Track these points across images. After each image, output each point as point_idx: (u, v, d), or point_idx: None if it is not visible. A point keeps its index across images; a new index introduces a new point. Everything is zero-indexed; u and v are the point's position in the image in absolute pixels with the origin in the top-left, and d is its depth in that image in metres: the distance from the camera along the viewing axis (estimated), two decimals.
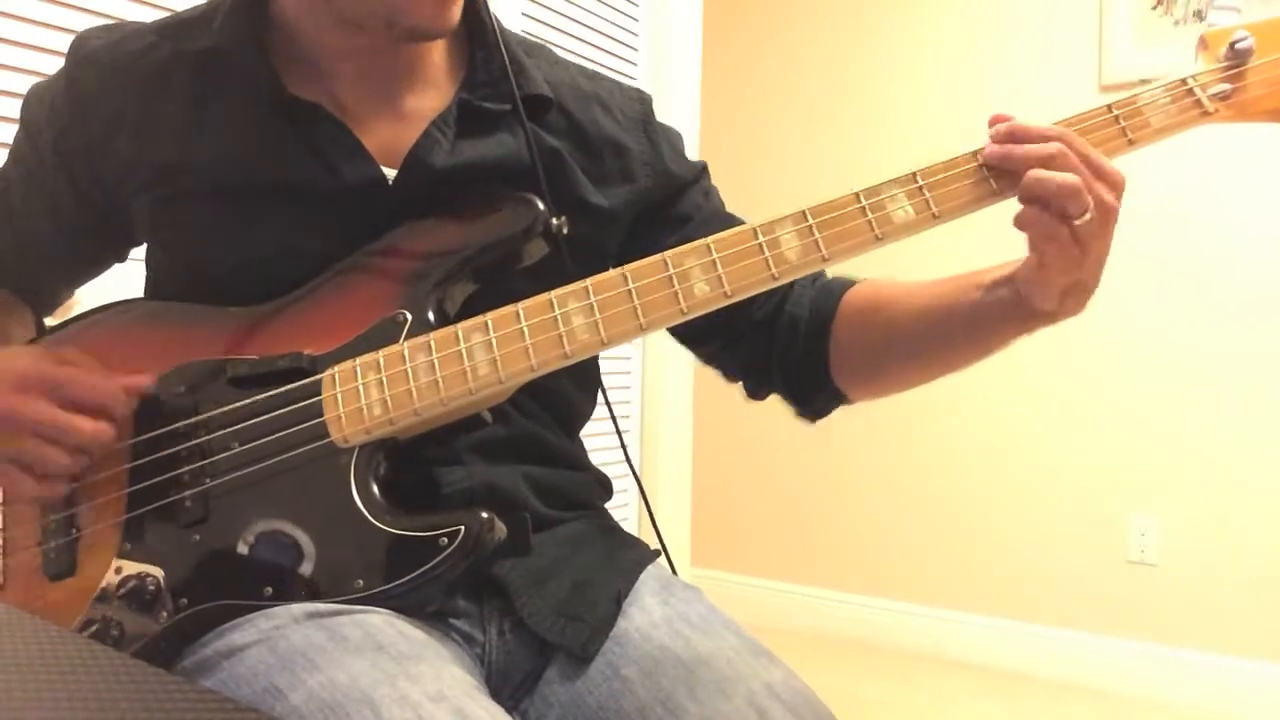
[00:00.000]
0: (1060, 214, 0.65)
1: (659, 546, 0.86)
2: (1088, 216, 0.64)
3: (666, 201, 0.86)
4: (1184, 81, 0.68)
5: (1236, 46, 0.67)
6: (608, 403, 0.91)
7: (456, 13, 0.73)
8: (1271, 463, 2.35)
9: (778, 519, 3.06)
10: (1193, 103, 0.67)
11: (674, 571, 0.84)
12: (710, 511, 2.96)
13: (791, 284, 0.84)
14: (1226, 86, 0.67)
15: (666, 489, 2.26)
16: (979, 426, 2.73)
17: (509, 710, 0.71)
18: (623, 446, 0.91)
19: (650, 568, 0.81)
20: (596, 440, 0.94)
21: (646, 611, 0.74)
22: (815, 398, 0.86)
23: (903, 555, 2.85)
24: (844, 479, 2.93)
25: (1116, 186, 0.66)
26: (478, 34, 0.80)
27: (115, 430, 0.69)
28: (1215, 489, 2.42)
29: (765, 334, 0.85)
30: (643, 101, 0.89)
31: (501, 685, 0.71)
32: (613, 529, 0.85)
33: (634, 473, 0.92)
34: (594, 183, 0.81)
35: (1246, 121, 0.69)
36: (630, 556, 0.80)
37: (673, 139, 0.90)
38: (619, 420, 0.91)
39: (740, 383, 0.90)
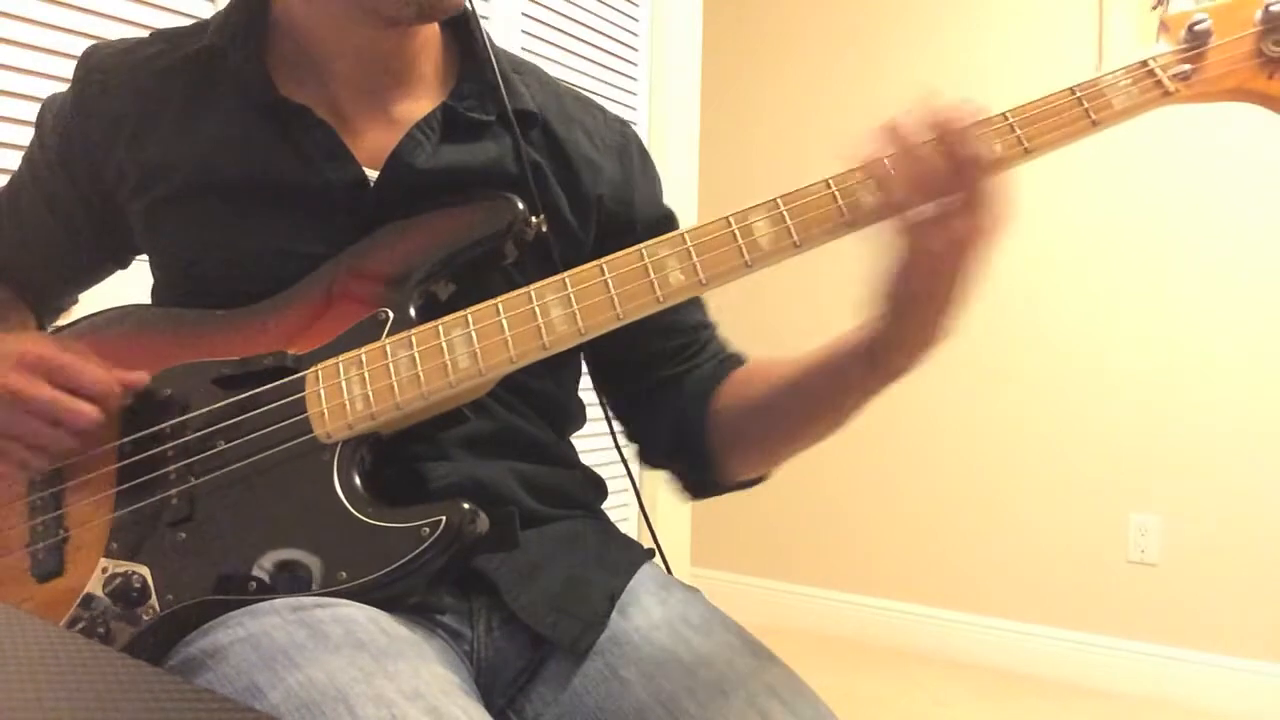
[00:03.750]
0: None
1: (653, 546, 0.86)
2: (953, 199, 0.62)
3: (621, 230, 0.85)
4: (1145, 63, 0.69)
5: (1195, 29, 0.68)
6: (604, 403, 0.91)
7: None
8: (1271, 463, 2.36)
9: (778, 519, 3.06)
10: (1154, 83, 0.68)
11: (669, 572, 0.84)
12: (710, 511, 2.96)
13: (701, 350, 0.86)
14: (1187, 67, 0.68)
15: (667, 489, 2.26)
16: (978, 427, 2.73)
17: (503, 709, 0.71)
18: (618, 448, 0.91)
19: (646, 568, 0.81)
20: (596, 441, 0.94)
21: (646, 612, 0.74)
22: (695, 465, 0.85)
23: (902, 555, 2.85)
24: (844, 479, 2.93)
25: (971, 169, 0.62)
26: (469, 48, 0.81)
27: (105, 417, 0.70)
28: (1215, 489, 2.42)
29: (667, 390, 0.85)
30: (624, 135, 0.89)
31: (492, 683, 0.71)
32: (607, 529, 0.85)
33: (629, 473, 0.92)
34: (570, 202, 0.82)
35: (1207, 101, 0.70)
36: (625, 556, 0.81)
37: (650, 177, 0.90)
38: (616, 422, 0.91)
39: (636, 445, 0.90)
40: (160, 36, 0.81)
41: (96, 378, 0.70)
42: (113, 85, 0.79)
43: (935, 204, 0.62)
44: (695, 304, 0.88)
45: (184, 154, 0.76)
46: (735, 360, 0.86)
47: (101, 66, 0.80)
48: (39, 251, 0.85)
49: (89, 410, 0.69)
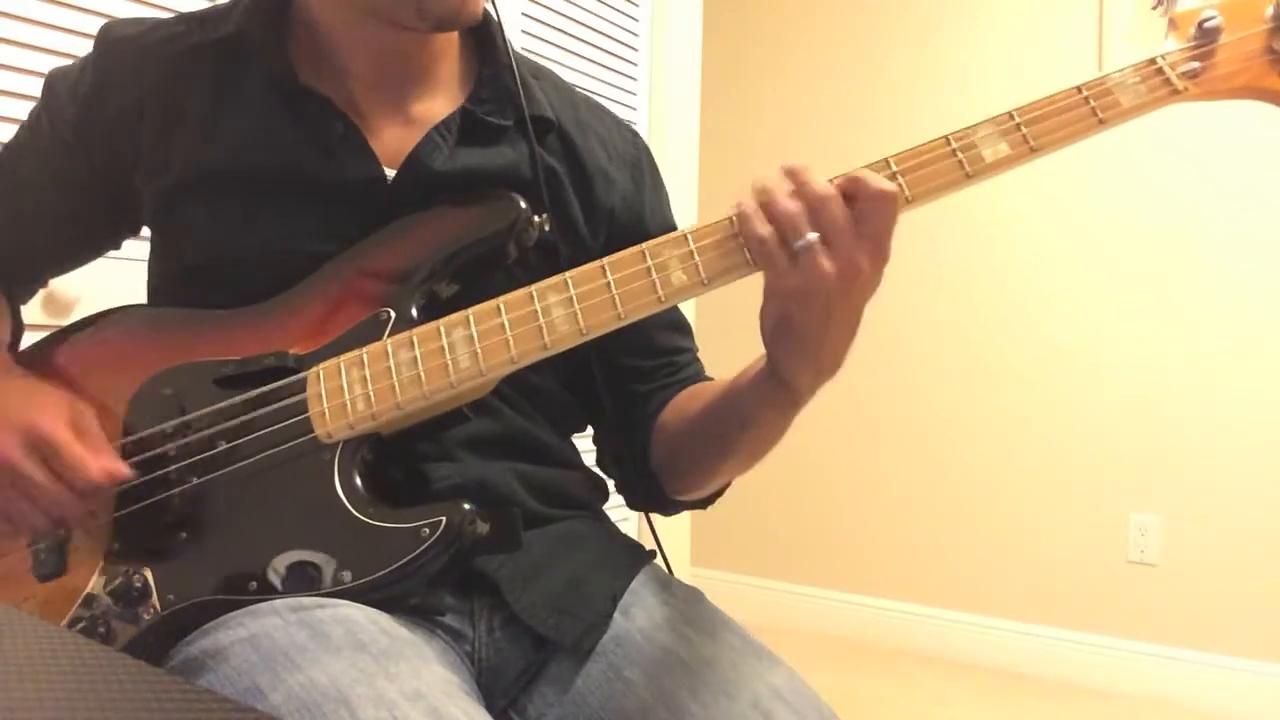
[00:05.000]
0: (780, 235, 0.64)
1: (654, 548, 0.86)
2: (809, 239, 0.63)
3: (629, 243, 0.85)
4: (1153, 61, 0.68)
5: (1205, 26, 0.67)
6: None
7: (481, 5, 0.75)
8: (1272, 463, 2.35)
9: (778, 519, 3.06)
10: (1162, 82, 0.67)
11: (670, 572, 0.84)
12: (710, 512, 2.95)
13: (675, 373, 0.87)
14: (1196, 65, 0.67)
15: None
16: (978, 427, 2.73)
17: (505, 710, 0.71)
18: None
19: (648, 568, 0.81)
20: None
21: (648, 612, 0.74)
22: (638, 481, 0.87)
23: (902, 555, 2.85)
24: (844, 479, 2.93)
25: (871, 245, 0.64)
26: (489, 52, 0.81)
27: (87, 508, 0.70)
28: (1215, 489, 2.42)
29: (633, 406, 0.86)
30: (636, 145, 0.89)
31: (494, 683, 0.71)
32: (608, 530, 0.85)
33: None
34: (583, 210, 0.82)
35: (1216, 99, 0.69)
36: (626, 557, 0.81)
37: (659, 191, 0.91)
38: None
39: (596, 447, 0.91)
40: (183, 19, 0.81)
41: (87, 472, 0.69)
42: (133, 63, 0.78)
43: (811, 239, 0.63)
44: (681, 330, 0.89)
45: (210, 141, 0.76)
46: (694, 381, 0.87)
47: (122, 44, 0.79)
48: (34, 223, 0.84)
49: (70, 500, 0.69)
